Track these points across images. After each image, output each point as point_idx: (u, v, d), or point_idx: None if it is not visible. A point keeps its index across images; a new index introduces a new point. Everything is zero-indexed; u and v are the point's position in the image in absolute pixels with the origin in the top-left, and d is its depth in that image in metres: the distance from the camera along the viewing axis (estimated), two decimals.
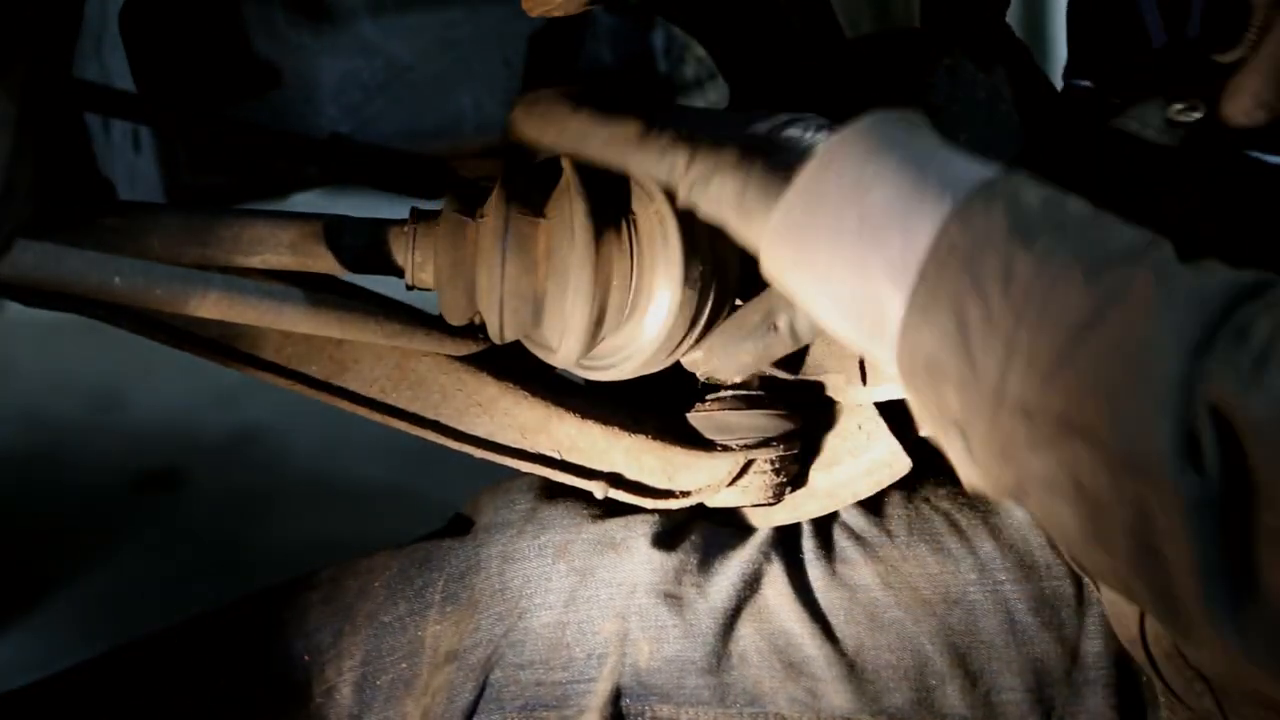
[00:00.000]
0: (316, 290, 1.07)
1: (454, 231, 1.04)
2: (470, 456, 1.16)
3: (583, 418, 1.15)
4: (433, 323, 1.10)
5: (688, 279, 1.01)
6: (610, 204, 1.01)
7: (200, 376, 1.37)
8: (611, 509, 1.18)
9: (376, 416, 1.15)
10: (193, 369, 1.19)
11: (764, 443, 1.12)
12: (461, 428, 1.16)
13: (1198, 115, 1.02)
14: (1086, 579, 1.15)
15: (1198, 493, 0.67)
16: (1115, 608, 1.11)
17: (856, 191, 0.80)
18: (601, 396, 1.18)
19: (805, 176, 0.82)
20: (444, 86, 1.68)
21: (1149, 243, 0.74)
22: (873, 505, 1.18)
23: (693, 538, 1.17)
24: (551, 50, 1.76)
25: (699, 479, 1.15)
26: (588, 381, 1.12)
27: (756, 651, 1.13)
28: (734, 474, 1.13)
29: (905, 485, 1.19)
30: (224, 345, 1.13)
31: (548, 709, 1.12)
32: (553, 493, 1.20)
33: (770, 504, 1.15)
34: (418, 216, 1.07)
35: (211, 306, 0.97)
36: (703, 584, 1.14)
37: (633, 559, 1.14)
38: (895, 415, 1.14)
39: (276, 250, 1.07)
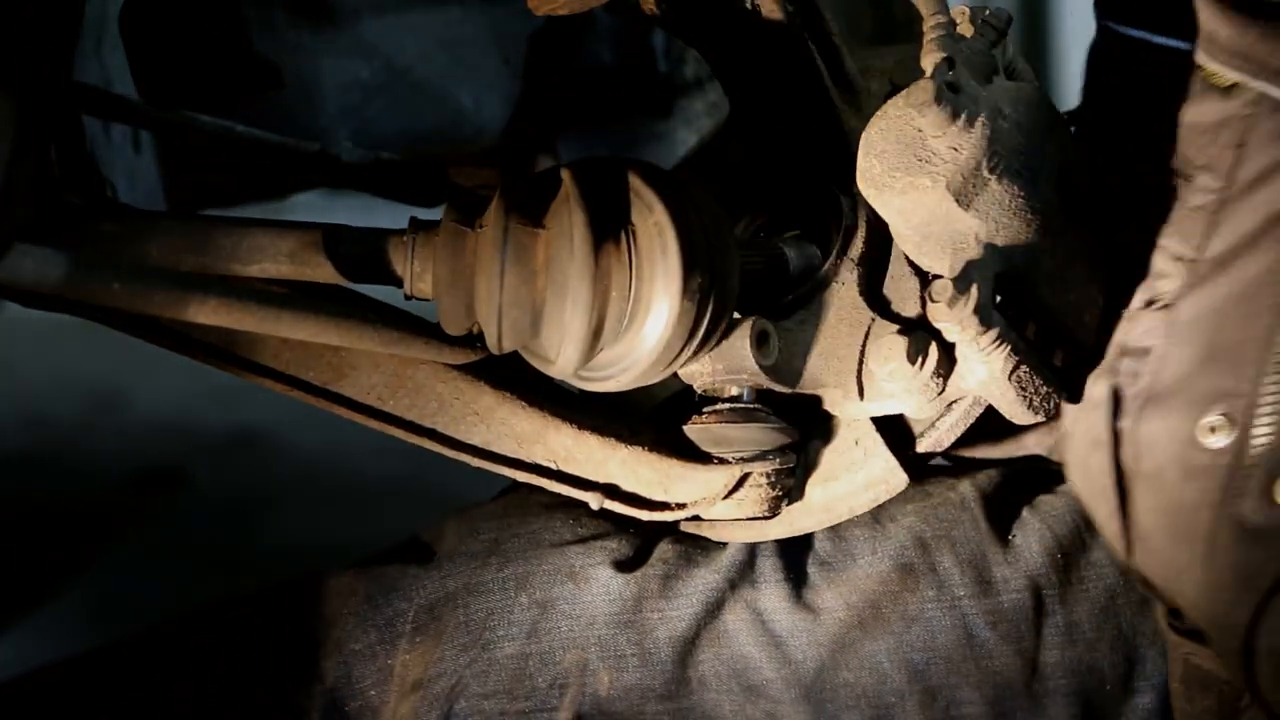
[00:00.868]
0: (315, 297, 1.07)
1: (453, 241, 1.04)
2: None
3: (579, 428, 1.15)
4: (431, 331, 1.10)
5: (686, 291, 1.01)
6: (610, 215, 1.01)
7: (200, 376, 1.36)
8: (576, 534, 1.18)
9: (373, 423, 1.15)
10: (193, 369, 1.19)
11: (760, 456, 1.12)
12: (458, 436, 1.17)
13: None
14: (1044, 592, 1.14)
15: None
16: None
17: None
18: (598, 408, 1.17)
19: None
20: (444, 86, 1.68)
21: None
22: (838, 525, 1.18)
23: (657, 560, 1.17)
24: (552, 50, 1.76)
25: (695, 491, 1.15)
26: (583, 392, 1.12)
27: (715, 676, 1.14)
28: (730, 487, 1.13)
29: None
30: (222, 350, 1.13)
31: None
32: (515, 520, 1.21)
33: (766, 518, 1.15)
34: (417, 226, 1.07)
35: (210, 312, 0.97)
36: (664, 609, 1.15)
37: (591, 590, 1.15)
38: (892, 431, 1.14)
39: (275, 259, 1.07)
